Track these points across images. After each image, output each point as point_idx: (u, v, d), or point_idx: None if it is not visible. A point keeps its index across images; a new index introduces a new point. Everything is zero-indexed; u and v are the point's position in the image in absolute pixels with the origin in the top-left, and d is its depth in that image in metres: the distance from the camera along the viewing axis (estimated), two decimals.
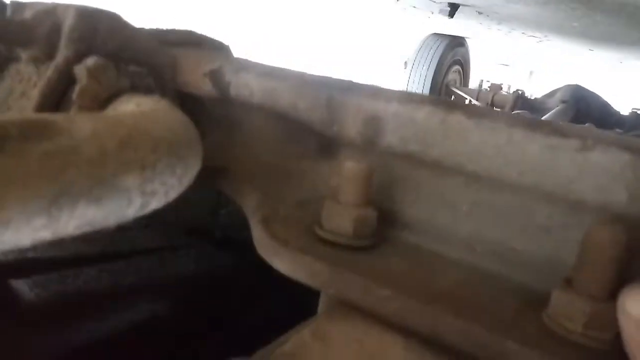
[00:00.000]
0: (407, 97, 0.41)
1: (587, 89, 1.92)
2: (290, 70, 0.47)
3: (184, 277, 0.75)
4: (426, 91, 2.48)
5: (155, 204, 0.35)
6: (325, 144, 0.47)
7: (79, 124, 0.29)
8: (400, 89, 0.40)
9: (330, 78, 0.45)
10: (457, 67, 2.72)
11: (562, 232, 0.36)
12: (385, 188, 0.43)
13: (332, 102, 0.43)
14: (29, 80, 0.43)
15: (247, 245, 0.88)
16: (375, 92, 0.42)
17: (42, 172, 0.25)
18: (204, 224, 0.89)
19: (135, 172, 0.31)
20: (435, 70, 2.48)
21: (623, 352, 0.30)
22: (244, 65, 0.48)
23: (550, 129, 0.36)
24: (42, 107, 0.41)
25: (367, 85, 0.43)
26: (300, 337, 0.31)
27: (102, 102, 0.43)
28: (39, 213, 0.26)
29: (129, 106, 0.40)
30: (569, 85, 1.92)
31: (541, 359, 0.29)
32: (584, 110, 1.79)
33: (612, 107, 1.94)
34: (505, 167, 0.37)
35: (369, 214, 0.39)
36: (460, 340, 0.31)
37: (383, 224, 0.42)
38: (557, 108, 1.80)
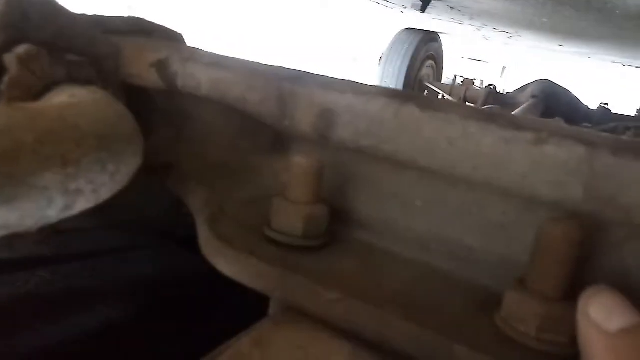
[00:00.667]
0: (361, 89, 0.39)
1: (557, 85, 1.94)
2: (240, 59, 0.45)
3: (143, 278, 0.72)
4: (400, 86, 2.47)
5: (83, 203, 0.32)
6: (278, 139, 0.45)
7: None
8: (355, 81, 0.38)
9: (281, 68, 0.43)
10: (430, 62, 2.72)
11: (517, 229, 0.35)
12: (338, 185, 0.41)
13: (283, 93, 0.41)
14: None
15: None
16: (327, 83, 0.40)
17: None
18: (165, 222, 0.86)
19: (54, 169, 0.28)
20: (408, 65, 2.47)
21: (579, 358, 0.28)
22: (193, 55, 0.45)
23: (505, 121, 0.34)
24: None
25: (319, 76, 0.41)
26: (238, 347, 0.29)
27: (36, 94, 0.40)
28: None
29: (61, 98, 0.38)
30: (539, 81, 1.94)
31: None
32: (554, 105, 1.81)
33: (581, 102, 1.96)
34: (460, 161, 0.35)
35: (320, 212, 0.37)
36: (408, 345, 0.29)
37: (335, 223, 0.40)
38: (527, 103, 1.81)
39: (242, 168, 0.46)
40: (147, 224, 0.85)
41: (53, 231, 0.77)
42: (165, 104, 0.50)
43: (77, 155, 0.29)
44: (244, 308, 0.78)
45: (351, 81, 0.40)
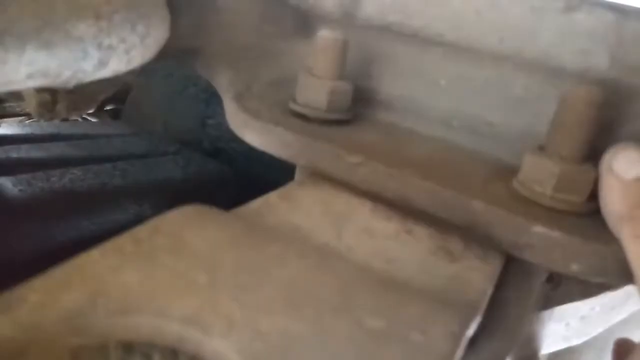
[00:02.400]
0: None
1: None
2: None
3: (171, 181, 0.74)
4: None
5: (116, 62, 0.33)
6: (302, 21, 0.45)
7: None
8: None
9: None
10: None
11: (539, 102, 0.35)
12: (363, 65, 0.41)
13: None
14: None
15: (236, 156, 0.87)
16: None
17: None
18: (192, 134, 0.88)
19: (88, 21, 0.29)
20: None
21: (593, 215, 0.29)
22: None
23: None
24: None
25: None
26: (266, 198, 0.30)
27: None
28: None
29: None
30: None
31: (506, 218, 0.29)
32: None
33: None
34: (486, 34, 0.35)
35: (343, 87, 0.38)
36: (428, 202, 0.31)
37: (359, 103, 0.40)
38: None
39: (268, 52, 0.46)
40: (175, 136, 0.87)
41: (86, 135, 0.79)
42: None
43: (109, 10, 0.30)
44: None
45: None
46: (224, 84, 0.43)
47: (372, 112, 0.41)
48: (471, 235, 0.30)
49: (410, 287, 0.24)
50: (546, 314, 0.42)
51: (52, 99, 0.43)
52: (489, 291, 0.26)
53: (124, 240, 0.21)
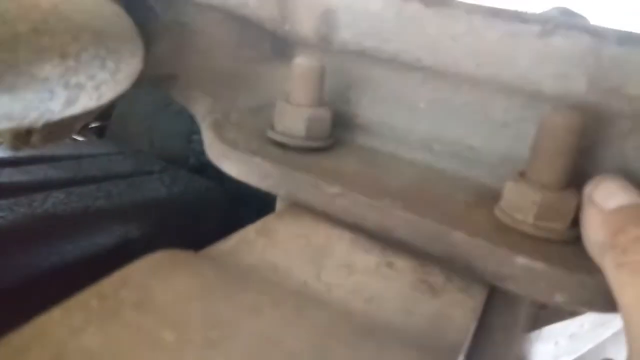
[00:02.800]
0: None
1: (574, 12, 1.87)
2: None
3: (157, 200, 0.73)
4: None
5: (86, 100, 0.32)
6: (280, 46, 0.44)
7: None
8: None
9: None
10: None
11: (519, 126, 0.34)
12: (341, 90, 0.41)
13: None
14: None
15: (222, 171, 0.86)
16: None
17: None
18: (178, 150, 0.87)
19: (53, 61, 0.28)
20: None
21: (576, 242, 0.29)
22: None
23: (511, 14, 0.33)
24: None
25: None
26: (244, 234, 0.30)
27: None
28: None
29: None
30: (555, 8, 1.86)
31: (488, 249, 0.28)
32: None
33: None
34: (464, 58, 0.34)
35: (322, 114, 0.37)
36: (408, 233, 0.30)
37: (338, 128, 0.40)
38: None
39: (246, 77, 0.45)
40: (159, 153, 0.86)
41: (69, 156, 0.78)
42: (163, 15, 0.49)
43: (75, 49, 0.29)
44: None
45: None
46: (201, 111, 0.42)
47: (352, 136, 0.41)
48: (453, 266, 0.29)
49: (390, 331, 0.23)
50: (534, 334, 0.41)
51: (25, 131, 0.42)
52: (472, 327, 0.26)
53: (88, 296, 0.20)
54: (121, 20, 0.35)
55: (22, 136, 0.43)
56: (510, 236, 0.29)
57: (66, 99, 0.30)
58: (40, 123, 0.31)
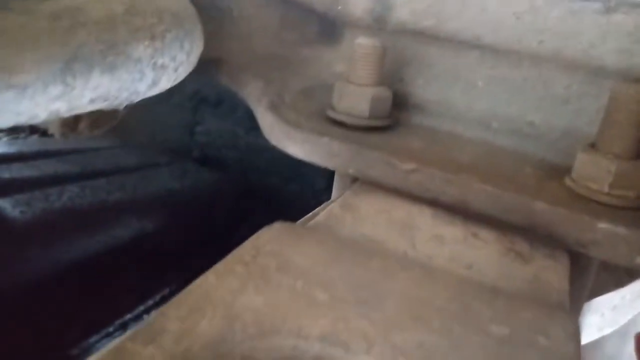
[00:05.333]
0: None
1: None
2: None
3: (169, 193, 0.73)
4: None
5: (165, 81, 0.32)
6: (327, 28, 0.45)
7: None
8: None
9: None
10: None
11: (580, 101, 0.36)
12: (397, 69, 0.41)
13: None
14: None
15: (227, 164, 0.86)
16: None
17: (53, 34, 0.23)
18: (181, 143, 0.87)
19: (145, 42, 0.28)
20: None
21: None
22: None
23: None
24: None
25: None
26: (330, 210, 0.30)
27: None
28: (55, 80, 0.24)
29: None
30: None
31: (569, 216, 0.29)
32: None
33: None
34: (526, 36, 0.35)
35: (384, 94, 0.38)
36: (489, 206, 0.31)
37: (396, 107, 0.41)
38: None
39: (292, 60, 0.46)
40: (163, 145, 0.85)
41: (75, 150, 0.77)
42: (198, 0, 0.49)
43: (162, 30, 0.30)
44: (267, 220, 0.80)
45: None
46: (254, 94, 0.42)
47: (408, 116, 0.41)
48: (534, 235, 0.30)
49: (506, 292, 0.24)
50: (585, 306, 0.43)
51: (74, 118, 0.42)
52: (568, 288, 0.27)
53: (232, 263, 0.20)
54: (188, 3, 0.36)
55: (71, 123, 0.43)
56: (587, 204, 0.30)
57: (152, 80, 0.30)
58: (124, 104, 0.31)
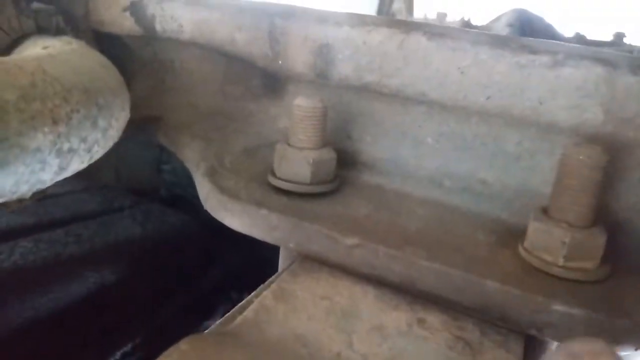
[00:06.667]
0: (359, 20, 0.36)
1: (531, 12, 1.90)
2: None
3: (131, 240, 0.69)
4: None
5: (77, 164, 0.29)
6: (271, 82, 0.42)
7: None
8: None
9: (270, 4, 0.40)
10: None
11: (533, 158, 0.33)
12: (342, 126, 0.39)
13: (274, 31, 0.38)
14: None
15: (196, 202, 0.83)
16: (322, 17, 0.37)
17: None
18: (147, 182, 0.83)
19: (45, 128, 0.26)
20: (380, 0, 2.38)
21: (608, 281, 0.28)
22: None
23: (519, 45, 0.32)
24: None
25: (312, 10, 0.38)
26: (262, 301, 0.27)
27: (5, 48, 0.36)
28: None
29: (35, 49, 0.34)
30: (514, 9, 1.90)
31: (522, 297, 0.27)
32: (529, 33, 1.78)
33: (556, 29, 1.94)
34: (472, 91, 0.33)
35: (327, 156, 0.35)
36: (437, 285, 0.28)
37: (341, 166, 0.38)
38: (504, 32, 1.78)
39: (235, 116, 0.43)
40: (129, 185, 0.82)
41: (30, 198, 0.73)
42: (141, 52, 0.47)
43: (67, 112, 0.27)
44: (237, 261, 0.77)
45: (348, 12, 0.37)
46: (192, 157, 0.40)
47: (356, 174, 0.39)
48: (486, 316, 0.28)
49: None
50: None
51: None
52: None
53: None
54: (108, 71, 0.33)
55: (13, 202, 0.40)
56: (541, 280, 0.28)
57: (58, 167, 0.27)
58: (29, 194, 0.28)
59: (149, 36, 0.42)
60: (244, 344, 0.23)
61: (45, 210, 0.68)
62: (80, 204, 0.72)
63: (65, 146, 0.27)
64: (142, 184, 0.84)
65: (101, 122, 0.30)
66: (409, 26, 0.34)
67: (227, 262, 0.77)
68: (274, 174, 0.36)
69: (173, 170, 0.82)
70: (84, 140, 0.29)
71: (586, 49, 0.32)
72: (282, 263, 0.38)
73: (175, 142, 0.42)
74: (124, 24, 0.42)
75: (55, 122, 0.26)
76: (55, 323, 0.55)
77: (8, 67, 0.26)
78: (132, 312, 0.63)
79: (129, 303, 0.64)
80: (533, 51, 0.32)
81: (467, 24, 2.11)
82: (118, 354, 0.59)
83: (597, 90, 0.30)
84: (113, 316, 0.61)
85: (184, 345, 0.21)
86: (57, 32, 0.40)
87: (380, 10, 2.32)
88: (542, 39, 0.35)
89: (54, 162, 0.27)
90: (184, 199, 0.82)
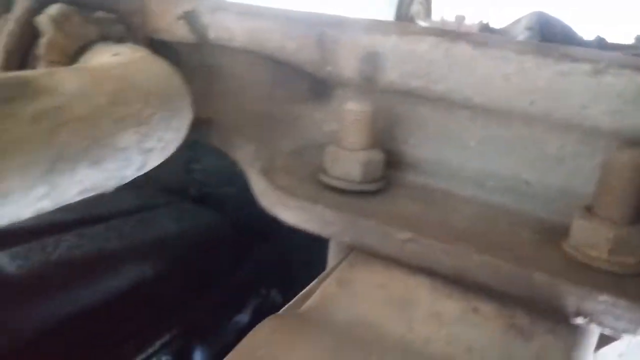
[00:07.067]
0: (406, 29, 0.38)
1: (550, 15, 1.91)
2: (272, 7, 0.44)
3: (167, 237, 0.72)
4: None
5: (153, 162, 0.32)
6: (318, 87, 0.45)
7: (62, 80, 0.26)
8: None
9: (319, 14, 0.42)
10: None
11: (575, 161, 0.35)
12: (388, 129, 0.41)
13: (324, 39, 0.41)
14: None
15: (225, 201, 0.85)
16: (370, 26, 0.39)
17: (34, 136, 0.22)
18: (178, 181, 0.86)
19: (130, 129, 0.28)
20: (398, 2, 2.39)
21: None
22: (221, 5, 0.44)
23: (561, 54, 0.34)
24: (7, 64, 0.37)
25: (360, 19, 0.41)
26: (325, 287, 0.30)
27: (72, 54, 0.39)
28: (39, 182, 0.23)
29: (104, 57, 0.37)
30: (533, 12, 1.91)
31: (569, 288, 0.29)
32: (549, 36, 1.79)
33: (575, 32, 1.95)
34: (516, 97, 0.35)
35: (376, 157, 0.38)
36: (488, 277, 0.30)
37: (388, 167, 0.40)
38: (522, 36, 1.79)
39: (283, 119, 0.46)
40: (160, 184, 0.85)
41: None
42: (189, 58, 0.49)
43: (148, 114, 0.29)
44: (265, 259, 0.79)
45: (395, 22, 0.40)
46: (246, 157, 0.42)
47: (402, 175, 0.41)
48: (534, 305, 0.30)
49: None
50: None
51: None
52: None
53: None
54: (175, 76, 0.35)
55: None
56: (587, 273, 0.30)
57: (140, 164, 0.30)
58: (112, 189, 0.31)
59: (201, 43, 0.45)
60: (317, 325, 0.25)
61: (87, 206, 0.70)
62: (118, 201, 0.75)
63: (147, 145, 0.30)
64: (172, 183, 0.86)
65: (174, 123, 0.32)
66: (455, 35, 0.37)
67: (255, 259, 0.79)
68: (325, 173, 0.38)
69: (203, 170, 0.84)
70: (160, 139, 0.31)
71: (626, 59, 0.34)
72: (331, 256, 0.40)
73: (228, 143, 0.44)
74: (178, 31, 0.45)
75: (139, 123, 0.28)
76: (100, 314, 0.58)
77: (96, 74, 0.28)
78: (169, 305, 0.66)
79: (166, 297, 0.66)
80: (575, 59, 0.34)
81: (486, 27, 2.12)
82: (157, 344, 0.61)
83: (638, 96, 0.32)
84: (152, 309, 0.64)
85: (270, 321, 0.24)
86: (118, 39, 0.43)
87: (398, 13, 2.35)
88: (583, 48, 0.37)
89: (137, 159, 0.29)
90: (213, 197, 0.85)
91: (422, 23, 2.38)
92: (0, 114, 0.21)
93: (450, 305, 0.30)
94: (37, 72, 0.26)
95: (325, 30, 0.40)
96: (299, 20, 0.41)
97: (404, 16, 2.37)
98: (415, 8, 2.48)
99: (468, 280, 0.31)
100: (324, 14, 0.42)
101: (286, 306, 0.28)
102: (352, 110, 0.37)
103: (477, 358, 0.25)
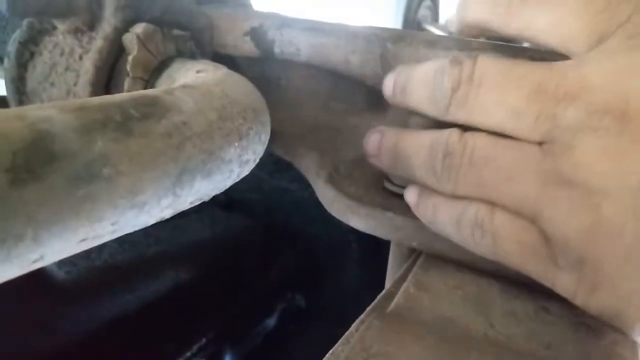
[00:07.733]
0: (466, 45, 0.41)
1: None
2: (335, 23, 0.46)
3: (201, 242, 0.75)
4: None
5: (245, 173, 0.35)
6: (375, 99, 0.47)
7: (181, 97, 0.29)
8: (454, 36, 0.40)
9: (382, 28, 0.44)
10: (428, 2, 2.66)
11: None
12: None
13: (386, 54, 0.43)
14: (71, 53, 0.42)
15: (254, 206, 0.88)
16: (431, 41, 0.42)
17: (167, 151, 0.25)
18: None
19: (234, 143, 0.31)
20: (406, 6, 2.42)
21: None
22: (286, 21, 0.47)
23: None
24: (96, 79, 0.40)
25: (421, 34, 0.43)
26: (406, 291, 0.32)
27: (153, 71, 0.42)
28: (167, 193, 0.26)
29: (191, 74, 0.40)
30: None
31: None
32: None
33: None
34: None
35: None
36: None
37: None
38: None
39: (341, 129, 0.48)
40: None
41: None
42: (249, 70, 0.52)
43: (246, 129, 0.32)
44: (291, 264, 0.82)
45: (455, 37, 0.42)
46: (311, 166, 0.45)
47: None
48: None
49: None
50: None
51: None
52: None
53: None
54: (257, 92, 0.38)
55: None
56: None
57: (237, 175, 0.33)
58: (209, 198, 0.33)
59: (266, 57, 0.48)
60: (414, 324, 0.28)
61: None
62: None
63: (245, 158, 0.32)
64: None
65: (263, 137, 0.35)
66: (515, 50, 0.39)
67: (282, 264, 0.82)
68: (390, 181, 0.41)
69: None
70: (254, 152, 0.34)
71: None
72: (392, 260, 0.43)
73: (291, 152, 0.47)
74: (243, 47, 0.48)
75: (240, 137, 0.31)
76: (141, 318, 0.61)
77: (203, 91, 0.31)
78: (204, 310, 0.68)
79: (202, 302, 0.69)
80: None
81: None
82: (195, 348, 0.64)
83: None
84: (189, 313, 0.67)
85: (373, 320, 0.26)
86: (191, 55, 0.46)
87: (406, 18, 2.36)
88: None
89: (236, 171, 0.32)
90: (241, 203, 0.87)
91: (430, 27, 2.40)
92: (141, 131, 0.24)
93: (521, 304, 0.32)
94: (157, 91, 0.28)
95: (387, 45, 0.43)
96: (362, 36, 0.44)
97: (411, 20, 2.39)
98: (423, 13, 2.49)
99: (531, 282, 0.33)
100: (386, 28, 0.44)
101: (370, 307, 0.31)
102: (415, 120, 0.40)
103: (557, 353, 0.28)
